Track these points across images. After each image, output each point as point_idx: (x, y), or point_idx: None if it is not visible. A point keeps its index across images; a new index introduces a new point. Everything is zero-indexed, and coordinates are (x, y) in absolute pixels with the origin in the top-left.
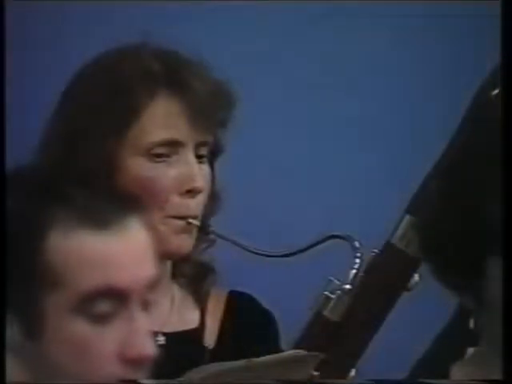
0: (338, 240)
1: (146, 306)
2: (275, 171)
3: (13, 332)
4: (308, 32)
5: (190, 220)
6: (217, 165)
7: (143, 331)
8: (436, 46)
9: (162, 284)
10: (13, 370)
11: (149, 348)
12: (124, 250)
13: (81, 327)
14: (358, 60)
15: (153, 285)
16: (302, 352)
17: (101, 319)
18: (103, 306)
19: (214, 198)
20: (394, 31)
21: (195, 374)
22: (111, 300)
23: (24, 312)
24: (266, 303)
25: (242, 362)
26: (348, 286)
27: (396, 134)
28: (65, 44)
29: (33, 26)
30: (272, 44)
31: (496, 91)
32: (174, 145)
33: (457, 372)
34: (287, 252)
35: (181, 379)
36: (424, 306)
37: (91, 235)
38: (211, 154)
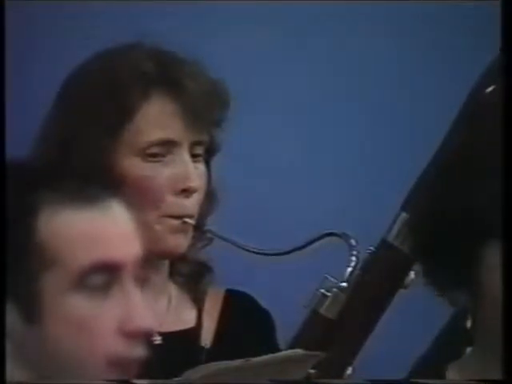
0: (334, 238)
1: (139, 282)
2: (273, 170)
3: (12, 320)
4: (306, 31)
5: (186, 219)
6: (214, 164)
7: (139, 305)
8: (435, 46)
9: (158, 283)
10: (13, 363)
11: (147, 320)
12: (110, 227)
13: (78, 305)
14: (357, 60)
15: (142, 263)
16: (300, 351)
17: (96, 295)
18: (97, 281)
19: (210, 198)
20: (392, 30)
21: (193, 373)
22: (104, 275)
23: (21, 297)
24: (262, 301)
25: (239, 362)
26: (344, 284)
27: (394, 132)
28: (65, 44)
29: (33, 26)
30: (269, 43)
31: (491, 88)
32: (168, 144)
33: (454, 372)
34: (283, 250)
35: (178, 379)
36: (423, 305)
37: (78, 213)
38: (207, 154)
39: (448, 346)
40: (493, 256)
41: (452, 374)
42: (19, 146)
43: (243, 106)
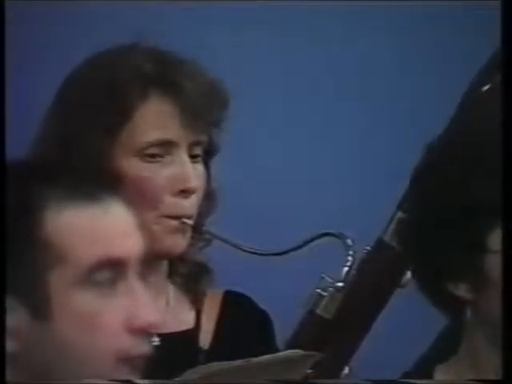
0: (330, 238)
1: (142, 278)
2: (271, 170)
3: (19, 317)
4: (307, 31)
5: (184, 220)
6: (213, 164)
7: (144, 301)
8: (435, 46)
9: (157, 283)
10: (18, 362)
11: (153, 316)
12: (113, 224)
13: (84, 301)
14: (357, 60)
15: (144, 259)
16: (299, 352)
17: (102, 292)
18: (102, 278)
19: (209, 198)
20: (392, 30)
21: (192, 374)
22: (109, 271)
23: (29, 294)
24: (259, 302)
25: (238, 362)
26: (341, 284)
27: (393, 131)
28: (64, 44)
29: (33, 26)
30: (269, 43)
31: (487, 87)
32: (167, 145)
33: (445, 372)
34: (280, 250)
35: (178, 379)
36: (420, 304)
37: (82, 211)
38: (206, 154)
39: (440, 346)
40: (493, 246)
41: (443, 374)
42: (19, 146)
43: (242, 106)
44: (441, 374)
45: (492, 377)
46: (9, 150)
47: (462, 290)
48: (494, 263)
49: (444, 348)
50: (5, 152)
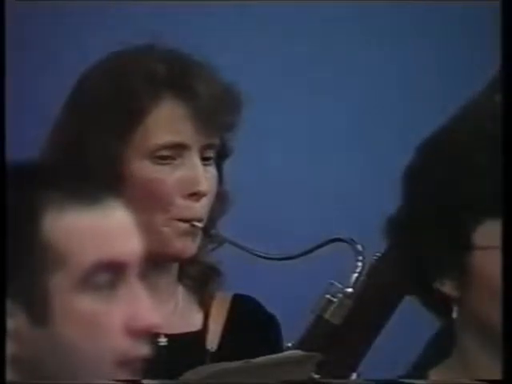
0: (340, 243)
1: (145, 280)
2: (279, 174)
3: (20, 322)
4: (309, 33)
5: (194, 223)
6: (225, 167)
7: (145, 303)
8: (435, 46)
9: (166, 285)
10: (18, 365)
11: (153, 318)
12: (115, 226)
13: (85, 304)
14: (359, 61)
15: (153, 261)
16: (300, 352)
17: (103, 294)
18: (103, 281)
19: (221, 200)
20: (391, 31)
21: (193, 374)
22: (110, 274)
23: (29, 299)
24: (268, 306)
25: (240, 363)
26: (350, 290)
27: (397, 136)
28: (64, 44)
29: (33, 26)
30: (283, 46)
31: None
32: (178, 148)
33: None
34: (290, 255)
35: (179, 381)
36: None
37: (83, 214)
38: (218, 157)
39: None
40: (478, 243)
41: (433, 375)
42: (19, 146)
43: (255, 109)
44: (431, 374)
45: (483, 376)
46: (9, 150)
47: (448, 288)
48: (479, 260)
49: (437, 350)
50: (5, 152)
